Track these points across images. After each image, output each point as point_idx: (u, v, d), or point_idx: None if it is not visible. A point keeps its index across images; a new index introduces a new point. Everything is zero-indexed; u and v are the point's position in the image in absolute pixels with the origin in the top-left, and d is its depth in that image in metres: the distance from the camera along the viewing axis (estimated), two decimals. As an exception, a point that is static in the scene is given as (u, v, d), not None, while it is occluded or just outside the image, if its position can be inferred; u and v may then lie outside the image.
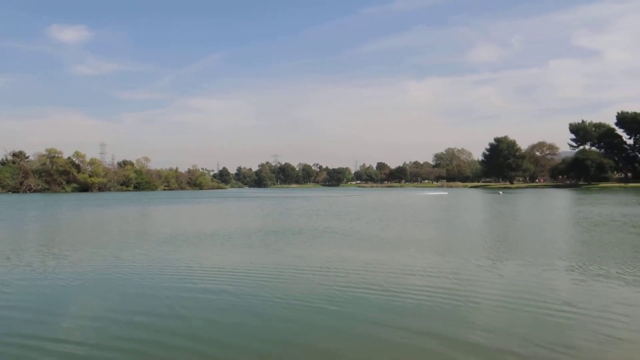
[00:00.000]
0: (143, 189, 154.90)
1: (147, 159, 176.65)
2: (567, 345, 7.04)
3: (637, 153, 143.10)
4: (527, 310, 8.90)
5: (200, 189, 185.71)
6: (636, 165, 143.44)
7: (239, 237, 21.07)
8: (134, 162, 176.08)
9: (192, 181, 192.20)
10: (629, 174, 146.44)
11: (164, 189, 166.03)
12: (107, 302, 10.04)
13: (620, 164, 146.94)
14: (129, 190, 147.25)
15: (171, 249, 17.45)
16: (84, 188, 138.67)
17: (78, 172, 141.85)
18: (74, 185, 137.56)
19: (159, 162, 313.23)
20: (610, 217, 28.67)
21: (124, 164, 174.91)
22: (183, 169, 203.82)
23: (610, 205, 41.21)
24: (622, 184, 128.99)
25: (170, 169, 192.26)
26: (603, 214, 31.22)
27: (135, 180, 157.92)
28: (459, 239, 20.57)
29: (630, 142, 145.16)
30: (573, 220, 28.61)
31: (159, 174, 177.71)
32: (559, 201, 54.25)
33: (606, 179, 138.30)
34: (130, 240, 20.36)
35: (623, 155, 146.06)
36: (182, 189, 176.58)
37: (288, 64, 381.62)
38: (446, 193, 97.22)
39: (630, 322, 8.11)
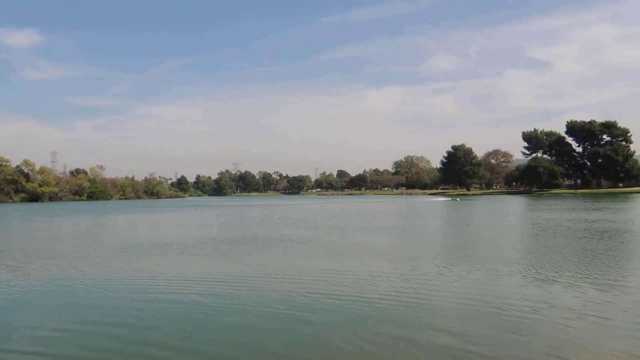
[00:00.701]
0: (97, 199, 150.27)
1: (101, 167, 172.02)
2: (518, 347, 7.17)
3: (585, 160, 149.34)
4: (480, 313, 9.10)
5: (158, 197, 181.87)
6: (585, 172, 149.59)
7: (198, 246, 20.56)
8: (88, 170, 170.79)
9: (149, 190, 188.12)
10: (579, 181, 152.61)
11: (120, 198, 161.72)
12: (67, 313, 9.72)
13: (570, 171, 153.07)
14: (82, 200, 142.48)
15: (131, 259, 16.93)
16: (34, 198, 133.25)
17: (27, 181, 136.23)
18: (23, 195, 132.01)
19: (114, 171, 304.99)
20: (556, 223, 29.50)
21: (76, 172, 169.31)
22: (140, 177, 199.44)
23: (558, 211, 42.55)
24: (572, 191, 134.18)
25: (126, 178, 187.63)
26: (551, 220, 32.13)
27: (88, 189, 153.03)
28: (416, 245, 20.67)
29: (579, 150, 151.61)
30: (523, 226, 29.31)
31: (114, 182, 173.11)
32: (512, 208, 55.68)
33: (557, 186, 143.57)
34: (87, 251, 19.51)
35: (573, 162, 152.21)
36: (138, 198, 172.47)
37: (248, 71, 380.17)
38: (449, 199, 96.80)
39: (571, 325, 8.29)
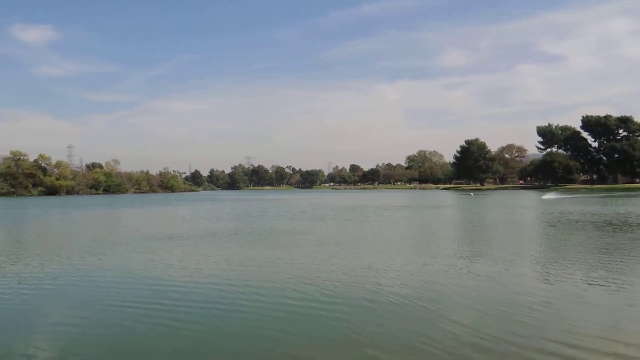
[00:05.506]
0: (113, 192, 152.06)
1: (116, 162, 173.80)
2: (535, 343, 7.28)
3: (601, 156, 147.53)
4: (494, 309, 9.23)
5: (172, 191, 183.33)
6: (601, 167, 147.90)
7: (211, 239, 21.10)
8: (104, 164, 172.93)
9: (164, 184, 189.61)
10: (594, 176, 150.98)
11: (135, 192, 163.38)
12: (78, 307, 10.08)
13: (586, 166, 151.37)
14: (99, 194, 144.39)
15: (148, 251, 17.48)
16: (51, 191, 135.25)
17: (44, 175, 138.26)
18: (41, 188, 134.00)
19: (129, 165, 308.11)
20: (577, 216, 29.57)
21: (92, 166, 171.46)
22: (154, 171, 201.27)
23: (582, 205, 42.55)
24: (587, 186, 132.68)
25: (141, 172, 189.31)
26: (569, 212, 32.19)
27: (104, 183, 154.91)
28: (434, 239, 20.89)
29: (595, 145, 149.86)
30: (541, 220, 29.41)
31: (129, 176, 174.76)
32: (527, 202, 55.51)
33: (572, 181, 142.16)
34: (98, 245, 20.09)
35: (588, 157, 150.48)
36: (153, 191, 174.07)
37: (259, 66, 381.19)
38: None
39: (592, 321, 8.44)
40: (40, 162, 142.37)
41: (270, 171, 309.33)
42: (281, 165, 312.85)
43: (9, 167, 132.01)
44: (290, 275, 12.79)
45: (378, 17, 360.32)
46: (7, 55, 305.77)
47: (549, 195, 69.18)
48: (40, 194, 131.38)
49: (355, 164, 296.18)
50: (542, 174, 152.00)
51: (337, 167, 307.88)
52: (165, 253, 17.41)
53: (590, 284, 11.31)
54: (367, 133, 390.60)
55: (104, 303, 10.28)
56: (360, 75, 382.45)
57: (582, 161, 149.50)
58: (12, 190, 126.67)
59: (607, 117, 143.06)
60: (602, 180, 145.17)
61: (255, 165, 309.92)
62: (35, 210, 52.78)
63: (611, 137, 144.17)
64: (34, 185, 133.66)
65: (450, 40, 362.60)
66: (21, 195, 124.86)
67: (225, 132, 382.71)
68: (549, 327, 8.11)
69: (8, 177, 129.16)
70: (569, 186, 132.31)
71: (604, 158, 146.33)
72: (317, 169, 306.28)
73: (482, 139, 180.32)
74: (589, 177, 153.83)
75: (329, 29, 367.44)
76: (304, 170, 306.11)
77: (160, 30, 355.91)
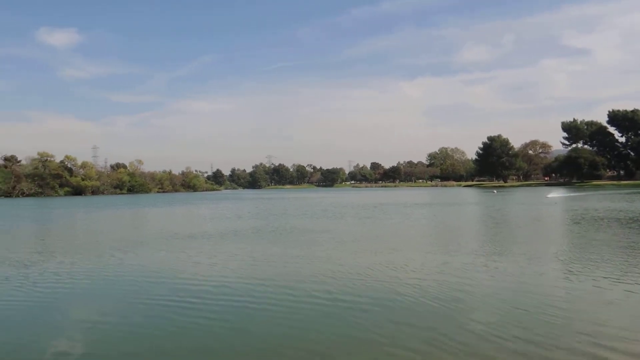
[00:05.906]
0: (137, 192, 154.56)
1: (140, 162, 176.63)
2: (557, 343, 7.19)
3: (629, 151, 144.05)
4: (514, 308, 9.12)
5: (195, 190, 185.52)
6: (628, 163, 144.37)
7: (233, 237, 21.29)
8: (127, 165, 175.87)
9: (186, 183, 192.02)
10: (622, 172, 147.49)
11: (158, 192, 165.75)
12: (108, 304, 10.31)
13: (613, 162, 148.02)
14: (123, 194, 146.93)
15: (172, 250, 17.74)
16: (77, 192, 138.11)
17: (70, 175, 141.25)
18: (67, 189, 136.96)
19: (152, 165, 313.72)
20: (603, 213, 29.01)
21: (117, 167, 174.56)
22: (176, 171, 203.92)
23: (608, 202, 41.72)
24: (614, 182, 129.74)
25: (164, 172, 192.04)
26: (595, 209, 31.57)
27: (128, 183, 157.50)
28: (455, 237, 20.75)
29: (622, 140, 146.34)
30: (564, 217, 28.91)
31: (152, 176, 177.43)
32: (547, 199, 54.61)
33: (599, 177, 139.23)
34: (126, 243, 20.45)
35: (615, 153, 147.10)
36: (176, 191, 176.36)
37: (279, 65, 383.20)
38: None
39: (616, 321, 8.27)
40: (66, 162, 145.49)
41: (291, 170, 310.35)
42: (302, 164, 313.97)
43: (36, 168, 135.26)
44: (312, 274, 12.86)
45: (397, 14, 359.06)
46: (33, 58, 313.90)
47: (553, 194, 66.03)
48: (67, 194, 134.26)
49: (376, 161, 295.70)
50: (567, 170, 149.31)
51: (357, 165, 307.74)
52: (191, 251, 17.69)
53: (613, 282, 11.11)
54: (388, 130, 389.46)
55: (133, 300, 10.47)
56: (380, 72, 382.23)
57: (608, 157, 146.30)
58: (39, 190, 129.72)
59: (634, 111, 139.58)
60: (629, 176, 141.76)
61: (276, 164, 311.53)
62: (63, 210, 53.99)
63: (639, 131, 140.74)
64: (61, 185, 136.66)
65: (471, 36, 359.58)
66: (48, 195, 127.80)
67: (247, 132, 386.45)
68: (571, 326, 7.98)
69: (36, 178, 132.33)
70: (595, 182, 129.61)
71: (632, 153, 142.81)
72: (337, 167, 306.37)
73: (504, 135, 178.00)
74: (615, 173, 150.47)
75: (349, 27, 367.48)
76: (325, 168, 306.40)
77: (182, 31, 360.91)
